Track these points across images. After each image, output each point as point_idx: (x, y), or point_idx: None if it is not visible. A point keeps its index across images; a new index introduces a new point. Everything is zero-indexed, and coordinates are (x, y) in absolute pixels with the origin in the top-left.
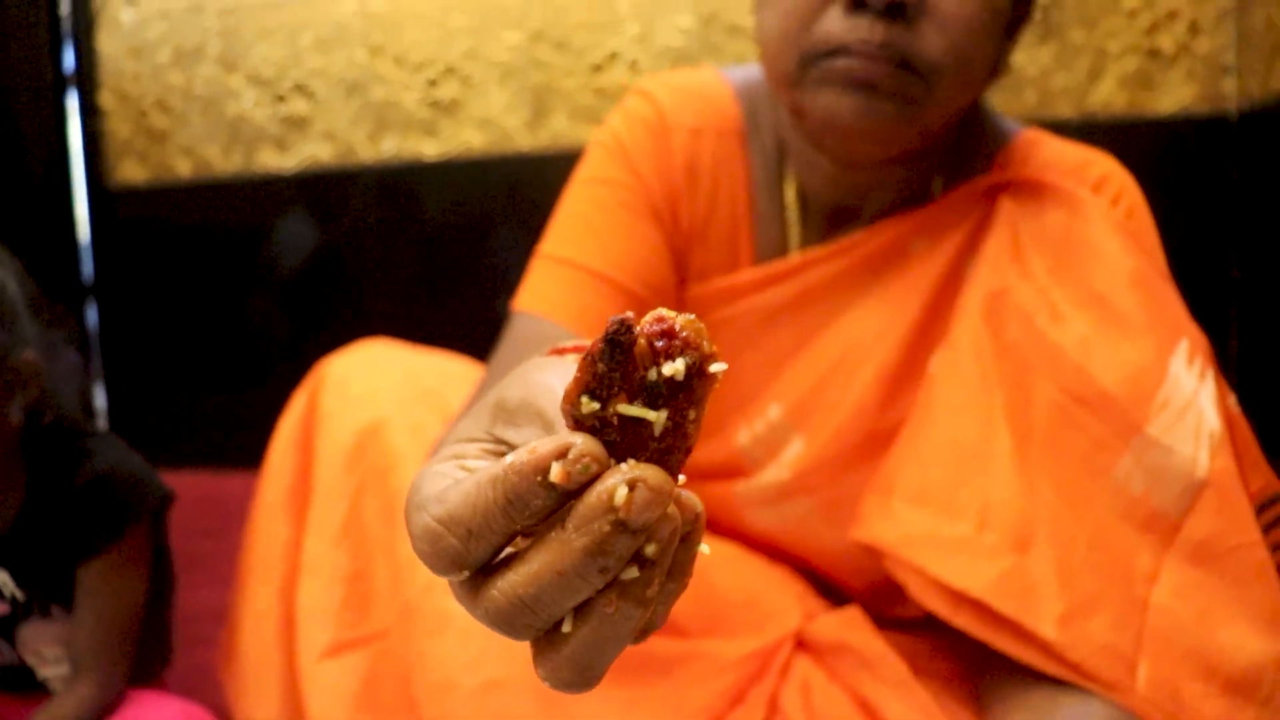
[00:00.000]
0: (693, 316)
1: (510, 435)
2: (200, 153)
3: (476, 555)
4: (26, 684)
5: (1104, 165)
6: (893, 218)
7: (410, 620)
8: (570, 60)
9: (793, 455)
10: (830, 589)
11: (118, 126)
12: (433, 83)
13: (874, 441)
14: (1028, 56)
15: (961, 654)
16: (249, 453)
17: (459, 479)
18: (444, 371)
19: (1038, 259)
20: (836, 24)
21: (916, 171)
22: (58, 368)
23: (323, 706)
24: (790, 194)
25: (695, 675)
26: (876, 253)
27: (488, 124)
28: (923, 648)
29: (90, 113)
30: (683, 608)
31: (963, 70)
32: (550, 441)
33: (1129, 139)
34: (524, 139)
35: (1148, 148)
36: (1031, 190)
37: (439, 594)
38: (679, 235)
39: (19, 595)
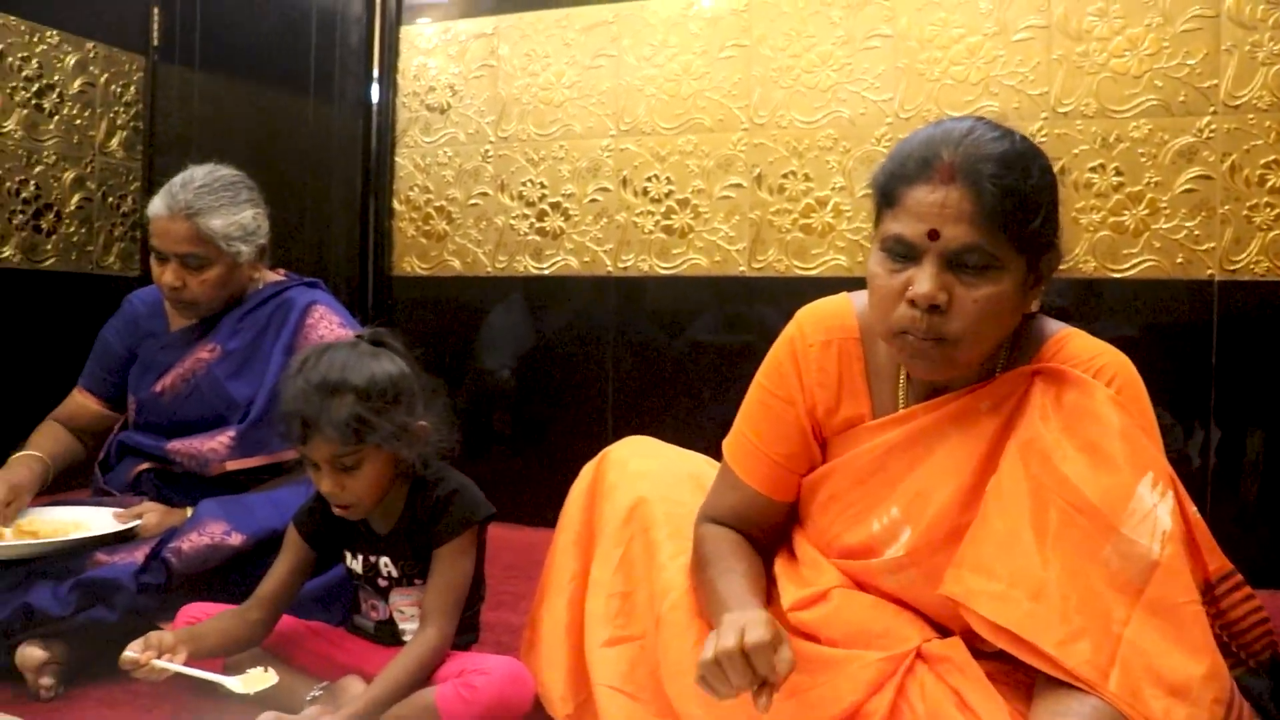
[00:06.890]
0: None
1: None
2: (470, 254)
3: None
4: (391, 637)
5: (1106, 357)
6: (969, 389)
7: (661, 627)
8: (783, 202)
9: (905, 540)
10: (940, 629)
11: (404, 227)
12: (669, 212)
13: (956, 533)
14: None
15: (1018, 669)
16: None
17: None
18: (690, 462)
19: (1055, 419)
20: (903, 314)
21: (984, 363)
22: (436, 428)
23: (604, 678)
24: (901, 374)
25: (848, 672)
26: (958, 411)
27: (712, 249)
28: (998, 665)
29: (384, 215)
30: (842, 630)
31: (978, 336)
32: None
33: (1097, 295)
34: (743, 264)
35: (1120, 303)
36: (1055, 375)
37: (680, 611)
38: (816, 414)
39: (394, 573)
